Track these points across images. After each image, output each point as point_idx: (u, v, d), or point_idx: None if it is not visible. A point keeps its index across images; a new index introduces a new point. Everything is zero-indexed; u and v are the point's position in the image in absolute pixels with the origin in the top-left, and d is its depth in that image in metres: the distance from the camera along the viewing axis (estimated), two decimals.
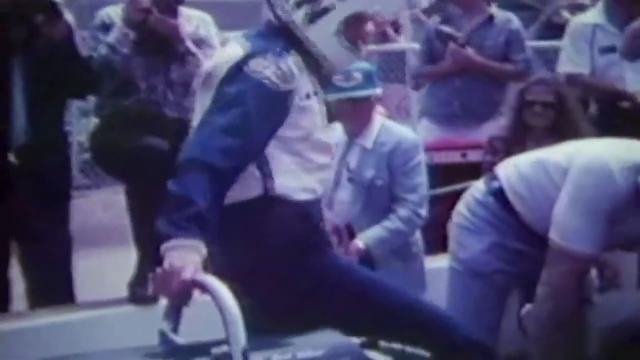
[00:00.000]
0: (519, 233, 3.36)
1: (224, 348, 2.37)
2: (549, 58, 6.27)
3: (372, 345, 2.52)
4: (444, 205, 4.39)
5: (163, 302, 4.07)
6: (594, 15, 5.14)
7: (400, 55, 7.42)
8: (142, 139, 4.41)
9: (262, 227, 2.76)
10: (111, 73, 4.38)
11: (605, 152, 3.08)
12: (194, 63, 4.47)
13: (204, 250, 2.55)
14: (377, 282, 2.89)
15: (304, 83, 2.81)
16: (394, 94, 7.15)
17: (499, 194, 3.40)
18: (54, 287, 4.40)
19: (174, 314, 2.64)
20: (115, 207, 5.60)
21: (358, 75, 4.34)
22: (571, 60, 5.05)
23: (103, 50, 4.35)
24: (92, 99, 5.12)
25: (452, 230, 3.71)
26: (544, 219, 3.23)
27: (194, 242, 2.54)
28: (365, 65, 4.50)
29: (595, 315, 3.35)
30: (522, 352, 3.32)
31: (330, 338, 2.55)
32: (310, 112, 2.82)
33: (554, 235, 3.05)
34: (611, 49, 4.90)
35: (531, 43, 5.94)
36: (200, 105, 2.82)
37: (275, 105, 2.73)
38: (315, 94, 2.86)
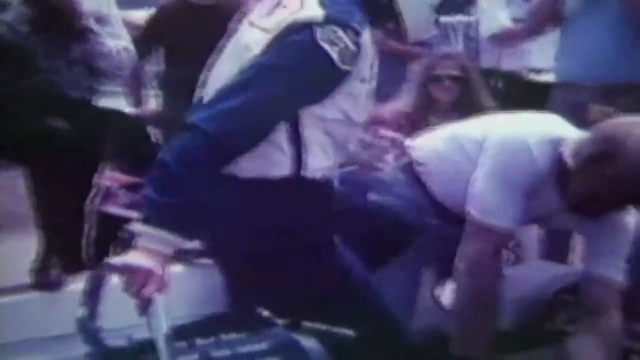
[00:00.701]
0: (430, 208, 3.36)
1: (146, 333, 2.32)
2: None
3: (296, 325, 2.51)
4: None
5: (69, 288, 4.07)
6: None
7: None
8: (43, 120, 4.34)
9: (288, 209, 2.56)
10: (10, 53, 4.27)
11: (522, 126, 3.09)
12: (95, 41, 4.38)
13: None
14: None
15: (364, 65, 2.58)
16: None
17: (409, 170, 3.40)
18: None
19: (92, 300, 2.58)
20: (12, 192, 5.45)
21: None
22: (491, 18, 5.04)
23: (1, 29, 4.25)
24: None
25: None
26: (455, 194, 3.24)
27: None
28: None
29: (504, 287, 3.37)
30: (435, 328, 3.34)
31: (251, 319, 2.52)
32: (357, 98, 2.59)
33: (472, 210, 3.06)
34: (520, 21, 4.94)
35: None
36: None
37: (328, 83, 2.52)
38: (371, 78, 2.64)
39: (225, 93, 2.49)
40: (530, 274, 3.47)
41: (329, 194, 2.66)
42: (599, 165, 2.79)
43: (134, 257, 2.40)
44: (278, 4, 2.58)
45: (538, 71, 5.57)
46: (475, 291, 3.00)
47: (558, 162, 2.93)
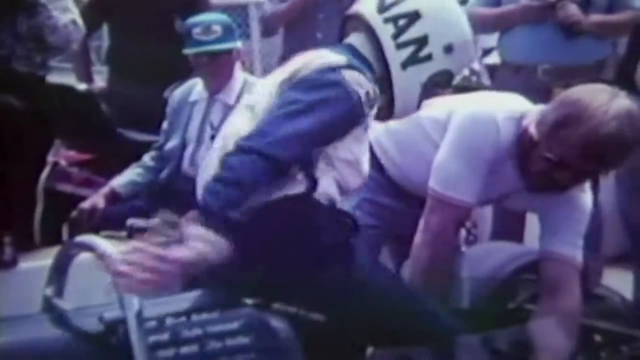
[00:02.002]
0: (388, 189, 3.36)
1: (116, 312, 2.31)
2: None
3: (266, 306, 2.51)
4: None
5: (23, 265, 4.03)
6: None
7: (245, 8, 7.33)
8: None
9: (302, 226, 2.60)
10: None
11: (490, 102, 3.10)
12: (44, 15, 4.32)
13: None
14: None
15: (371, 116, 2.66)
16: None
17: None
18: None
19: (58, 277, 2.55)
20: None
21: (217, 28, 4.26)
22: None
23: None
24: None
25: None
26: (414, 175, 3.25)
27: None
28: (224, 17, 4.44)
29: (462, 266, 3.39)
30: None
31: (223, 298, 2.52)
32: (363, 143, 2.66)
33: (434, 184, 3.05)
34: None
35: None
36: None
37: (351, 123, 2.58)
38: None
39: (275, 122, 2.51)
40: (487, 253, 3.49)
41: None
42: (564, 130, 2.80)
43: (180, 251, 2.35)
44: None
45: (488, 51, 5.62)
46: (431, 263, 2.99)
47: (521, 139, 2.95)
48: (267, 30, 5.54)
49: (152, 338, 2.32)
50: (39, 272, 2.66)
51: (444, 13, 2.73)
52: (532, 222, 3.32)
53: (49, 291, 2.53)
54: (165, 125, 4.45)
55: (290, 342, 2.49)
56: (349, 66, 2.59)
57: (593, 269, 4.06)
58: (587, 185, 3.10)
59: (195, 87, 4.41)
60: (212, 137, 4.30)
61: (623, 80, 3.93)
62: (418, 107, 2.79)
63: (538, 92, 3.45)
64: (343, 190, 2.66)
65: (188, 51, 4.32)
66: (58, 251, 2.63)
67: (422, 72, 2.70)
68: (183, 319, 2.41)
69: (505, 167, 2.98)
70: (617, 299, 3.26)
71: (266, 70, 5.61)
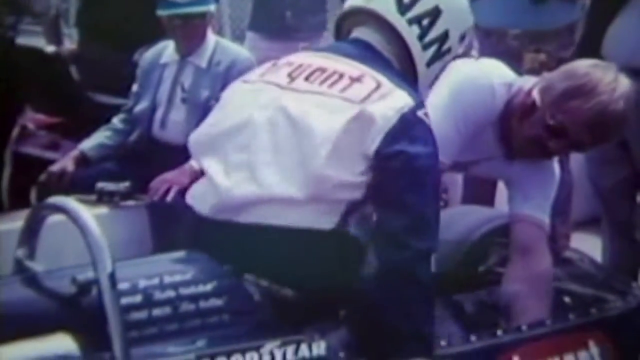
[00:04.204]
0: None
1: (89, 274, 2.28)
2: None
3: (238, 275, 2.50)
4: None
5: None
6: None
7: None
8: None
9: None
10: None
11: (485, 67, 3.06)
12: None
13: None
14: None
15: None
16: None
17: None
18: None
19: (29, 240, 2.51)
20: None
21: None
22: None
23: None
24: None
25: None
26: None
27: None
28: None
29: None
30: None
31: (196, 261, 2.51)
32: None
33: None
34: None
35: None
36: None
37: None
38: None
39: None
40: (458, 217, 3.49)
41: None
42: (573, 100, 2.82)
43: None
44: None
45: None
46: None
47: (514, 104, 2.94)
48: None
49: (125, 300, 2.30)
50: (7, 235, 2.64)
51: (457, 3, 2.71)
52: (503, 188, 3.31)
53: (21, 253, 2.50)
54: (135, 87, 4.43)
55: (263, 303, 2.49)
56: (421, 104, 2.55)
57: (562, 233, 4.10)
58: None
59: (166, 49, 4.38)
60: (183, 100, 4.30)
61: (587, 45, 3.95)
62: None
63: (508, 56, 3.42)
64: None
65: (161, 13, 4.29)
66: (29, 213, 2.59)
67: (442, 65, 2.70)
68: (156, 281, 2.40)
69: (485, 133, 2.97)
70: (586, 262, 3.27)
71: (235, 35, 5.58)
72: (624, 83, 2.87)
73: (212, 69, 4.28)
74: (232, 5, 5.98)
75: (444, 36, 2.65)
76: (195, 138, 2.67)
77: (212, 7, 4.34)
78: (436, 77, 2.75)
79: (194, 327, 2.38)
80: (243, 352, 2.33)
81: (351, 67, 2.57)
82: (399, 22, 2.62)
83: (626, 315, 2.88)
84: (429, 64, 2.65)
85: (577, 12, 4.60)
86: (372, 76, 2.54)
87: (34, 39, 5.10)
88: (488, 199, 4.32)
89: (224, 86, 4.14)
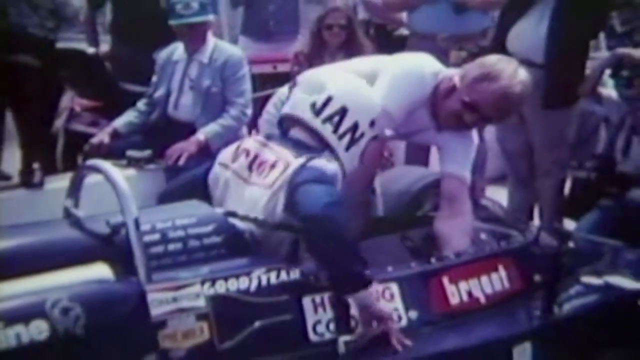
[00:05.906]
0: None
1: (119, 218, 2.28)
2: None
3: (234, 215, 2.48)
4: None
5: (49, 186, 3.97)
6: None
7: None
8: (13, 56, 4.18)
9: None
10: None
11: (417, 60, 3.02)
12: None
13: None
14: None
15: None
16: None
17: None
18: None
19: (75, 193, 2.51)
20: None
21: (195, 5, 4.21)
22: None
23: None
24: None
25: (262, 126, 3.63)
26: None
27: None
28: None
29: (381, 184, 3.36)
30: None
31: (198, 208, 2.50)
32: None
33: None
34: None
35: None
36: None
37: None
38: None
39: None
40: (401, 175, 3.49)
41: None
42: (482, 83, 2.82)
43: None
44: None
45: None
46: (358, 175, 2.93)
47: (440, 87, 2.92)
48: (236, 2, 5.54)
49: (147, 238, 2.30)
50: (60, 191, 2.62)
51: (361, 99, 2.63)
52: (435, 152, 3.30)
53: (68, 203, 2.50)
54: (154, 78, 4.40)
55: (252, 239, 2.47)
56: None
57: (479, 186, 4.10)
58: None
59: (177, 49, 4.36)
60: (191, 88, 4.28)
61: (497, 44, 3.95)
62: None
63: (438, 54, 3.40)
64: None
65: (172, 22, 4.26)
66: (74, 173, 2.59)
67: (360, 146, 2.61)
68: (169, 223, 2.38)
69: (420, 110, 2.95)
70: (497, 207, 3.28)
71: (231, 38, 5.56)
72: (522, 72, 2.88)
73: (212, 64, 4.25)
74: (228, 15, 5.94)
75: (355, 126, 2.59)
76: None
77: (211, 17, 4.32)
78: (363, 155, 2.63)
79: (199, 259, 2.37)
80: (237, 277, 2.33)
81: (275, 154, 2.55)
82: (314, 122, 2.58)
83: (525, 246, 2.89)
84: (347, 148, 2.59)
85: (489, 20, 4.63)
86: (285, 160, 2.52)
87: (80, 45, 5.13)
88: (424, 161, 4.33)
89: (221, 76, 4.20)
